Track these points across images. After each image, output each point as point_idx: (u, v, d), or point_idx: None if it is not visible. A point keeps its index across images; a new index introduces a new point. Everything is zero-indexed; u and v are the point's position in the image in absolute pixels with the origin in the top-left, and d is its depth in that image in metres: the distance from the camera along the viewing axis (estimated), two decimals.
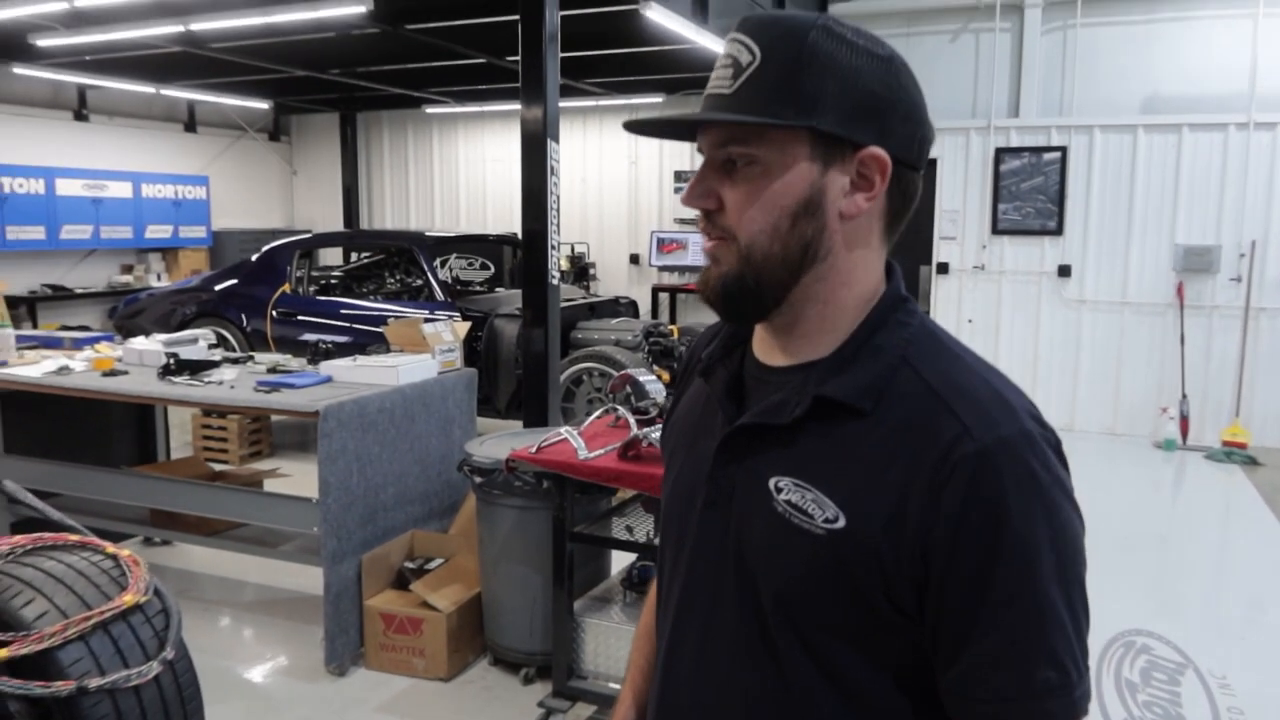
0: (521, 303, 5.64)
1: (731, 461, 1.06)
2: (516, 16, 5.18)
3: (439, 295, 7.31)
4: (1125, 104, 8.30)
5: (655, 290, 10.79)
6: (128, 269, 11.32)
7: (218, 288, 8.17)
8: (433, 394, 4.47)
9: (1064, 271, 8.52)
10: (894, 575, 0.94)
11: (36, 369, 4.58)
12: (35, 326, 9.46)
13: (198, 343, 5.00)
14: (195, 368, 4.51)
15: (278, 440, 7.71)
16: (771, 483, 1.02)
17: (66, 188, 10.18)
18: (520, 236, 5.64)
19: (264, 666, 4.18)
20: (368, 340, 6.68)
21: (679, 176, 11.01)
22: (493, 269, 9.57)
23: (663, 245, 10.84)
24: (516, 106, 5.31)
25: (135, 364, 4.71)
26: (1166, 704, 3.68)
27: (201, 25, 6.96)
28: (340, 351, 4.96)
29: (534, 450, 3.51)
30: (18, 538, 2.49)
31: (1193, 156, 8.00)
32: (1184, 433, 8.01)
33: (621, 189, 11.49)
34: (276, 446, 7.62)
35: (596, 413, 4.01)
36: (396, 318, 6.17)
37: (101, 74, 9.68)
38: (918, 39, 8.79)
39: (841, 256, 1.02)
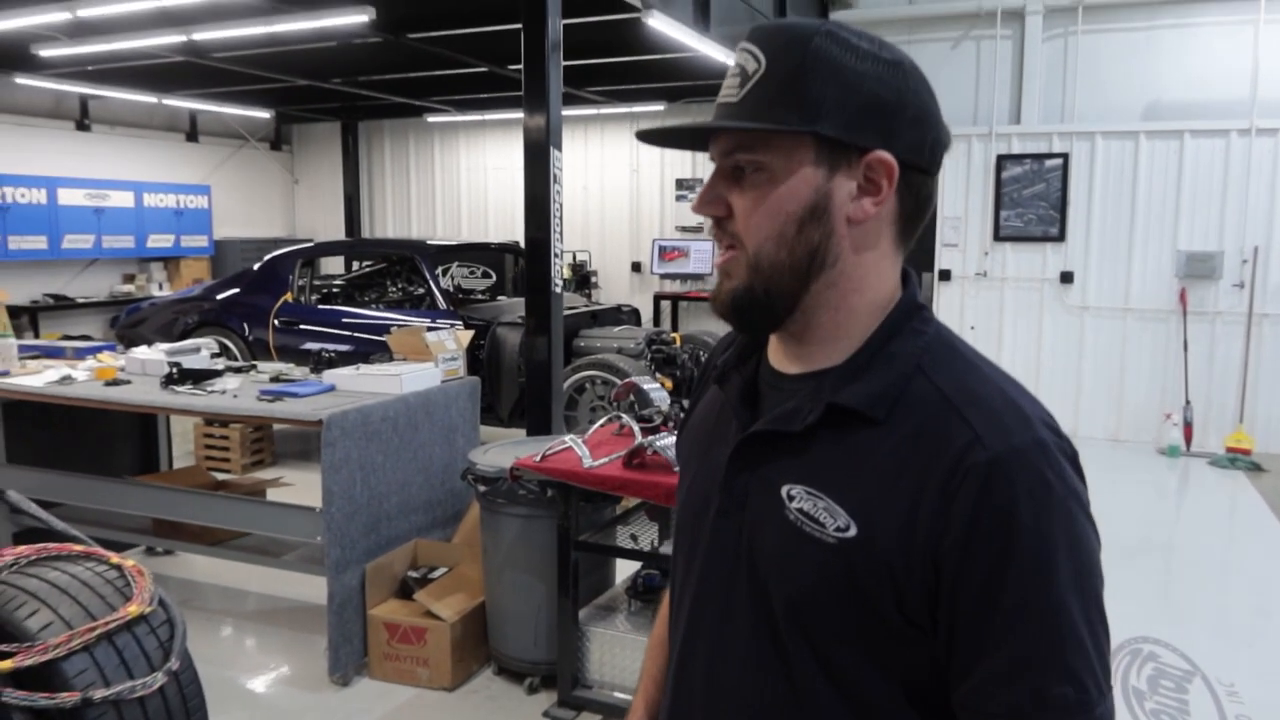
0: (524, 311, 5.64)
1: (744, 469, 1.06)
2: (519, 25, 5.19)
3: (441, 303, 7.31)
4: (1127, 111, 8.31)
5: (657, 298, 10.79)
6: (129, 278, 11.33)
7: (219, 297, 8.16)
8: (436, 402, 4.46)
9: (1066, 278, 8.51)
10: (905, 585, 0.93)
11: (39, 378, 4.58)
12: (37, 336, 9.46)
13: (200, 352, 4.99)
14: (198, 377, 4.51)
15: (280, 449, 7.70)
16: (784, 490, 1.01)
17: (68, 197, 10.19)
18: (522, 245, 5.64)
19: (267, 677, 4.17)
20: (370, 349, 6.67)
21: (680, 184, 11.02)
22: (494, 277, 9.58)
23: (665, 253, 10.84)
24: (518, 115, 5.31)
25: (138, 373, 4.70)
26: (1174, 712, 3.66)
27: (204, 34, 6.97)
28: (343, 360, 4.96)
29: (539, 459, 3.51)
30: (22, 548, 2.48)
31: (1195, 163, 8.00)
32: (1188, 439, 7.99)
33: (623, 197, 11.50)
34: (278, 455, 7.62)
35: (601, 421, 4.01)
36: (399, 326, 6.17)
37: (103, 84, 9.70)
38: (919, 46, 8.79)
39: (851, 262, 1.02)
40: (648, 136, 1.08)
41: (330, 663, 3.94)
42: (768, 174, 1.00)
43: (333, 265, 11.09)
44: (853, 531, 0.95)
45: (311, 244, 9.08)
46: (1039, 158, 8.49)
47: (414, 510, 4.36)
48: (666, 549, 3.87)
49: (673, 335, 7.72)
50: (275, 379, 4.61)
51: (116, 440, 5.48)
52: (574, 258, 11.24)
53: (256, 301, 7.92)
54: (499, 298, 8.79)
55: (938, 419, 0.95)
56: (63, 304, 10.42)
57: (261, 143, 13.13)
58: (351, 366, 4.58)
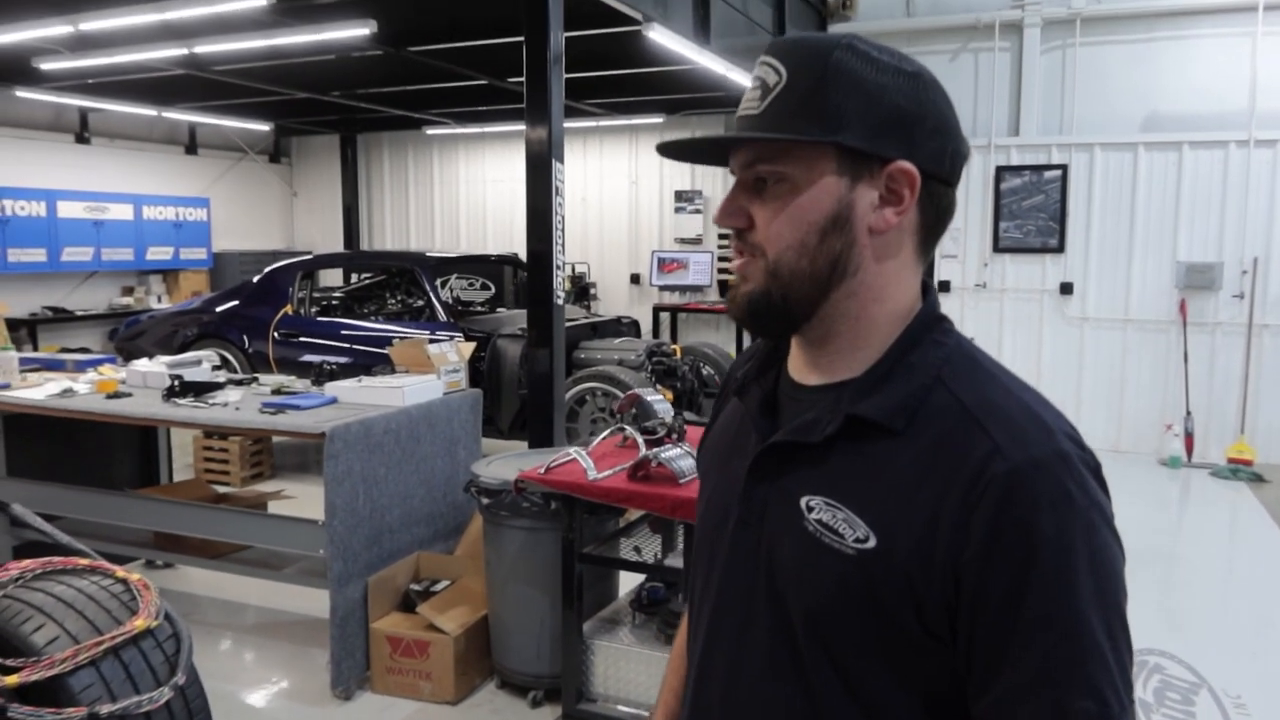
0: (525, 323, 5.63)
1: (763, 480, 1.06)
2: (519, 38, 5.20)
3: (441, 316, 7.31)
4: (1125, 122, 8.33)
5: (656, 310, 10.78)
6: (128, 291, 11.31)
7: (219, 309, 8.16)
8: (438, 415, 4.46)
9: (1066, 289, 8.52)
10: (925, 596, 0.93)
11: (40, 391, 4.57)
12: (35, 349, 9.44)
13: (202, 364, 4.99)
14: (200, 389, 4.50)
15: (279, 462, 7.68)
16: (803, 502, 1.01)
17: (68, 210, 10.19)
18: (521, 257, 5.64)
19: (269, 691, 4.15)
20: (370, 361, 6.67)
21: (679, 196, 11.03)
22: (493, 289, 9.57)
23: (663, 265, 10.84)
24: (516, 127, 5.33)
25: (139, 386, 4.70)
26: None
27: (205, 48, 6.98)
28: (343, 372, 4.95)
29: (543, 471, 3.50)
30: (27, 562, 2.47)
31: (1193, 174, 8.02)
32: (1189, 450, 7.99)
33: (622, 209, 11.51)
34: (277, 468, 7.60)
35: (605, 433, 4.00)
36: (399, 338, 6.16)
37: (103, 97, 9.71)
38: (918, 59, 8.79)
39: (872, 272, 1.02)
40: (668, 149, 1.08)
41: (332, 677, 3.92)
42: (790, 184, 1.00)
43: (331, 278, 11.09)
44: (872, 543, 0.95)
45: (311, 256, 9.06)
46: (1038, 169, 8.52)
47: (416, 523, 4.34)
48: (671, 561, 3.86)
49: (673, 347, 7.72)
50: (277, 391, 4.60)
51: (116, 453, 5.46)
52: (573, 269, 11.24)
53: (256, 314, 7.91)
54: (498, 310, 8.79)
55: (958, 430, 0.95)
56: (61, 317, 10.41)
57: (260, 155, 13.14)
58: (354, 379, 4.58)
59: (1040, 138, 8.57)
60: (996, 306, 8.76)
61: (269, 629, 4.75)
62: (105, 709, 2.18)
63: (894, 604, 0.94)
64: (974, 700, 0.94)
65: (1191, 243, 8.09)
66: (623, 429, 3.82)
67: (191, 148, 12.22)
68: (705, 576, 1.14)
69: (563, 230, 5.33)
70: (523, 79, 5.24)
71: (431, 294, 7.43)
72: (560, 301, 5.40)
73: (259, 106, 10.53)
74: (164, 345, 7.88)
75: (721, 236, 10.62)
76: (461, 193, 12.54)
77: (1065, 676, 0.88)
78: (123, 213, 10.80)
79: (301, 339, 7.68)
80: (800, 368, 1.10)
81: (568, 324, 6.66)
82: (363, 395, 4.33)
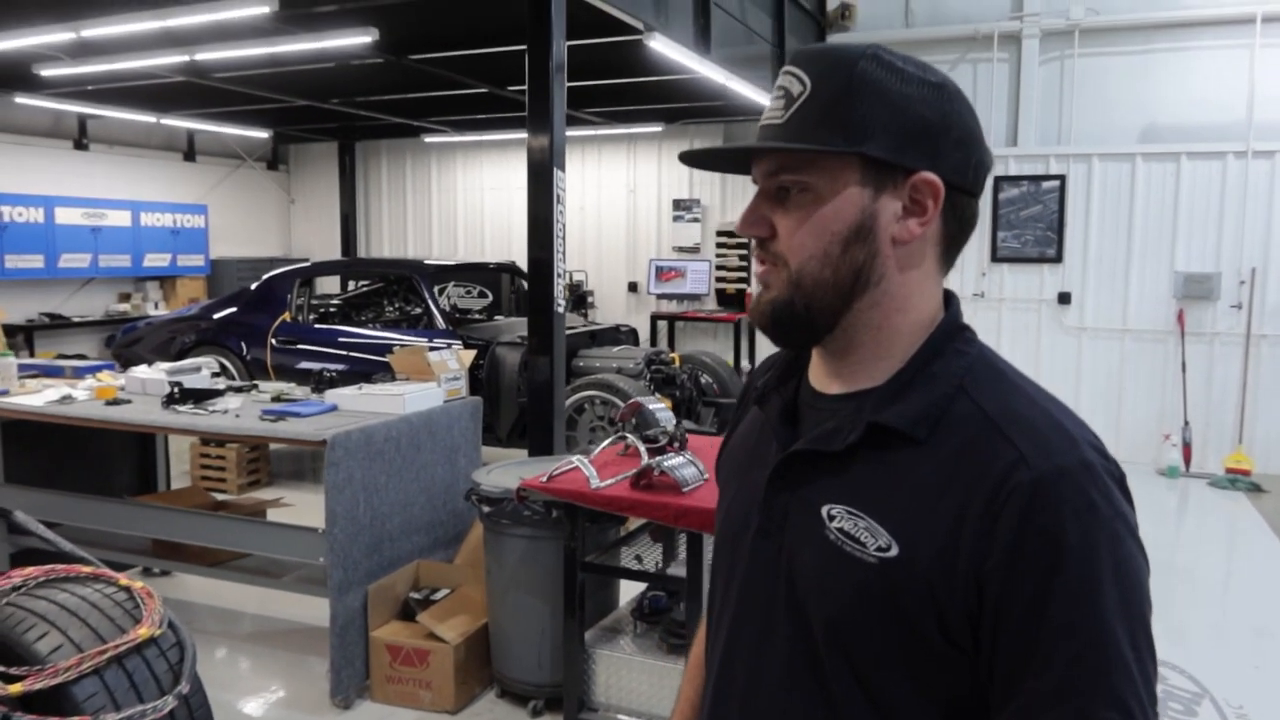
0: (523, 330, 5.62)
1: (784, 489, 1.05)
2: (522, 47, 5.20)
3: (440, 323, 7.30)
4: (1123, 133, 8.36)
5: (654, 318, 10.79)
6: (125, 297, 11.30)
7: (216, 316, 8.14)
8: (438, 422, 4.45)
9: (1064, 299, 8.54)
10: (947, 606, 0.92)
11: (39, 398, 4.55)
12: (32, 355, 9.42)
13: (201, 371, 4.97)
14: (199, 396, 4.49)
15: (275, 469, 7.66)
16: (824, 510, 1.00)
17: (65, 216, 10.18)
18: (519, 265, 5.63)
19: (268, 700, 4.13)
20: (369, 368, 6.65)
21: (677, 205, 11.05)
22: (491, 297, 9.56)
23: (661, 273, 10.85)
24: (515, 136, 5.33)
25: (138, 393, 4.68)
26: None
27: (206, 55, 6.98)
28: (342, 380, 4.93)
29: (545, 479, 3.49)
30: (30, 569, 2.45)
31: (1191, 185, 8.05)
32: (1187, 460, 8.00)
33: (620, 217, 11.52)
34: (274, 476, 7.58)
35: (606, 441, 4.00)
36: (398, 346, 6.15)
37: (102, 103, 9.70)
38: None
39: (895, 282, 1.02)
40: (691, 158, 1.08)
41: (332, 685, 3.91)
42: (813, 194, 1.00)
43: (329, 285, 11.08)
44: (894, 551, 0.95)
45: (309, 263, 9.05)
46: (1036, 179, 8.54)
47: (416, 531, 4.33)
48: (673, 570, 3.85)
49: (672, 355, 7.72)
50: (277, 399, 4.59)
51: (114, 460, 5.44)
52: (570, 277, 11.24)
53: (254, 321, 7.90)
54: (496, 317, 8.78)
55: (981, 439, 0.95)
56: (58, 323, 10.39)
57: (258, 162, 13.14)
58: (354, 386, 4.57)
59: (1038, 148, 8.60)
60: (994, 316, 8.77)
61: (267, 637, 4.73)
62: (109, 718, 2.16)
63: (916, 613, 0.94)
64: (997, 710, 0.93)
65: (1189, 253, 8.11)
66: (624, 437, 3.81)
67: (190, 154, 12.22)
68: (725, 585, 1.14)
69: (564, 238, 5.33)
70: (523, 87, 5.25)
71: (430, 301, 7.43)
72: (561, 310, 5.39)
73: (258, 114, 10.53)
74: (161, 352, 7.86)
75: (719, 245, 10.63)
76: (459, 200, 12.54)
77: (1089, 686, 0.87)
78: (120, 219, 10.79)
79: (299, 346, 7.67)
80: (821, 377, 1.09)
81: (567, 332, 6.65)
82: (363, 403, 4.32)
